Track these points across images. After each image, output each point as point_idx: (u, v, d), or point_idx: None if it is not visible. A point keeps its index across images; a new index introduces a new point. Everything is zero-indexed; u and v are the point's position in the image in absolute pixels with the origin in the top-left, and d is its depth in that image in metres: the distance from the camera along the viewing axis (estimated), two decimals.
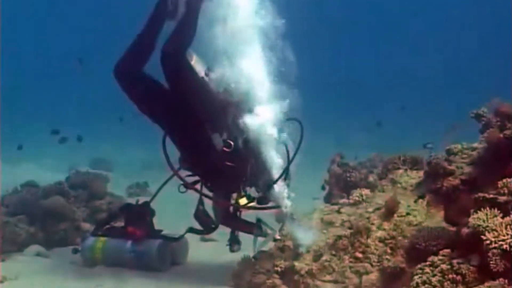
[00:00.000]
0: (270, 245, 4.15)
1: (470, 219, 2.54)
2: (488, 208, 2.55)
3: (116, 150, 12.90)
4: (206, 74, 3.93)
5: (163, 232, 4.50)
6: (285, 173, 4.07)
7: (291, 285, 3.62)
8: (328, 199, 5.56)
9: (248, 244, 4.18)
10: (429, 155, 3.80)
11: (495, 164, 2.98)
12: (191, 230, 4.32)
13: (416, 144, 4.71)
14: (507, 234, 2.38)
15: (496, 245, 2.37)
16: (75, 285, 3.91)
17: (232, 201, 4.18)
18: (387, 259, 3.38)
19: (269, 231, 4.15)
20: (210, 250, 5.09)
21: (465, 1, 25.83)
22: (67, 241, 5.18)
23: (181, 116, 3.88)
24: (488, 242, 2.40)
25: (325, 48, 22.60)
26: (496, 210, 2.53)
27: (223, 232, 4.57)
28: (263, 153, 3.96)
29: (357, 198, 4.14)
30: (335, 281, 3.50)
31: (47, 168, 10.30)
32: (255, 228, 4.18)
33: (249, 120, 3.91)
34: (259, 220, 4.22)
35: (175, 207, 5.22)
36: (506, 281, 2.29)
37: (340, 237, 3.66)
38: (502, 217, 2.49)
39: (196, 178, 4.16)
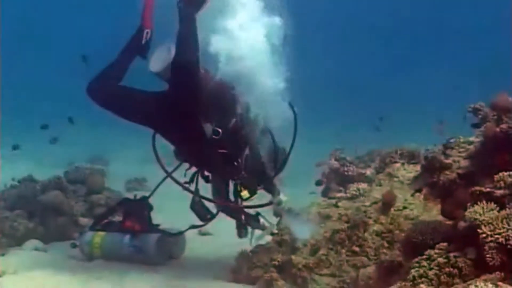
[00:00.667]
0: (268, 238, 4.17)
1: (467, 213, 2.54)
2: (484, 202, 2.55)
3: (115, 144, 12.86)
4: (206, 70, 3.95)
5: (160, 227, 4.51)
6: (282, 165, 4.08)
7: (288, 278, 3.64)
8: (325, 193, 5.57)
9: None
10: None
11: (491, 158, 2.98)
12: (192, 227, 4.34)
13: (418, 140, 4.75)
14: (503, 228, 2.38)
15: (492, 238, 2.38)
16: (74, 279, 3.92)
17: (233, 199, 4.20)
18: (384, 252, 3.40)
19: (266, 225, 4.17)
20: (208, 244, 5.11)
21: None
22: (66, 235, 5.17)
23: (175, 113, 3.93)
24: (484, 235, 2.40)
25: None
26: (492, 203, 2.53)
27: (220, 226, 4.58)
28: (254, 139, 3.98)
29: (354, 192, 4.16)
30: (332, 275, 3.52)
31: (45, 163, 10.27)
32: (252, 219, 4.19)
33: (238, 106, 3.94)
34: (257, 214, 4.23)
35: (174, 202, 5.22)
36: (502, 274, 2.30)
37: (337, 231, 3.68)
38: (499, 211, 2.49)
39: (194, 170, 4.18)
